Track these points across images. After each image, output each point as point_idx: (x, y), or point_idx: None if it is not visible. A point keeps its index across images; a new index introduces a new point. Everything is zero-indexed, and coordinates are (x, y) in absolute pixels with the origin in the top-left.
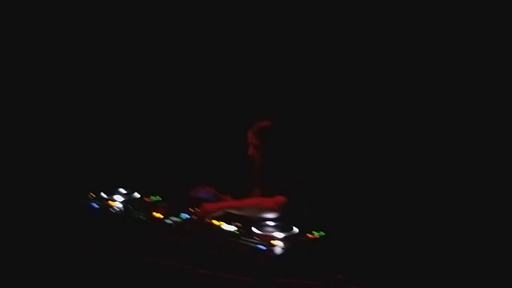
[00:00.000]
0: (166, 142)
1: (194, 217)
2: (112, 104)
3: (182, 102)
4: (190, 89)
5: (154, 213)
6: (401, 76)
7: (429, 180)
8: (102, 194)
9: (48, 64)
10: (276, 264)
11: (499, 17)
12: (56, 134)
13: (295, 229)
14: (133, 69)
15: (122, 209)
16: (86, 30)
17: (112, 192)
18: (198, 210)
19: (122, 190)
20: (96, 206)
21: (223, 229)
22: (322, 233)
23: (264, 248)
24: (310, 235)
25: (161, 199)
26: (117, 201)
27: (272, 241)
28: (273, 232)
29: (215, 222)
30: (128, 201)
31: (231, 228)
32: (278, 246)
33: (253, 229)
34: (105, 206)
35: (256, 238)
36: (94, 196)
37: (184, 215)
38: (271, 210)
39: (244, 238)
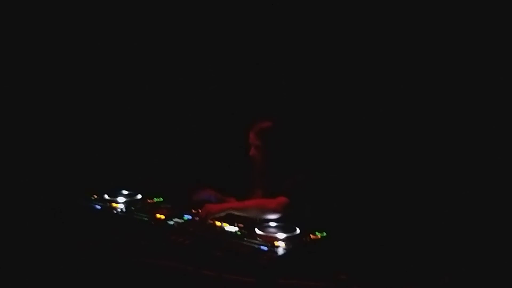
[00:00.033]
0: (167, 143)
1: (197, 218)
2: (114, 106)
3: (182, 103)
4: (190, 89)
5: (157, 215)
6: (401, 76)
7: (429, 180)
8: (105, 196)
9: (51, 67)
10: (278, 264)
11: (499, 17)
12: (59, 136)
13: (297, 230)
14: (133, 69)
15: (125, 210)
16: (86, 30)
17: (114, 194)
18: (201, 211)
19: (124, 192)
20: (98, 207)
21: (225, 230)
22: (324, 233)
23: (266, 249)
24: (312, 236)
25: (163, 200)
26: (120, 203)
27: (274, 242)
28: (275, 233)
29: (217, 223)
30: (130, 202)
31: (234, 229)
32: (281, 247)
33: (256, 230)
34: (108, 208)
35: (259, 239)
36: (97, 198)
37: (187, 216)
38: (273, 211)
39: (246, 239)
